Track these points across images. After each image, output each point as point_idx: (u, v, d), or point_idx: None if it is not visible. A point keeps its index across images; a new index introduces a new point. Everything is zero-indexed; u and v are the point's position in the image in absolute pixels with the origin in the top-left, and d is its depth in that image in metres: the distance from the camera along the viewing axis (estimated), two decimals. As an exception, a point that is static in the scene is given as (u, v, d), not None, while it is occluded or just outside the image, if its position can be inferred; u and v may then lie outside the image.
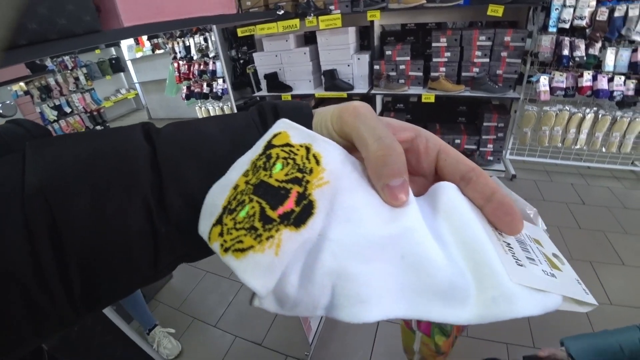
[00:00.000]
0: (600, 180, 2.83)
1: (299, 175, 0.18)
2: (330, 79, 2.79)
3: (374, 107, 3.01)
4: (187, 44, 3.85)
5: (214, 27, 2.70)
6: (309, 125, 0.22)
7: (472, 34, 2.48)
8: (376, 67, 2.73)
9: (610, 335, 0.98)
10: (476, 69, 2.59)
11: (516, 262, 0.20)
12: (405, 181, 0.19)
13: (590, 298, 0.20)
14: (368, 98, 2.92)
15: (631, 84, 2.42)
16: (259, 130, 0.23)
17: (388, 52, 2.67)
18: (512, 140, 2.88)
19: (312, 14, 2.59)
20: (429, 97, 2.61)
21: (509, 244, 0.21)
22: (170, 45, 4.00)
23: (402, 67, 2.69)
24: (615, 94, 2.43)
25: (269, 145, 0.20)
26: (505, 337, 1.72)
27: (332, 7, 2.65)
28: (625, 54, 2.37)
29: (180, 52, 3.92)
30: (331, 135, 0.22)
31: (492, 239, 0.20)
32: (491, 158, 2.81)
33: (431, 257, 0.19)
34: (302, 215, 0.18)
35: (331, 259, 0.18)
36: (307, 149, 0.19)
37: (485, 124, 2.69)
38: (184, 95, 4.00)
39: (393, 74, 2.72)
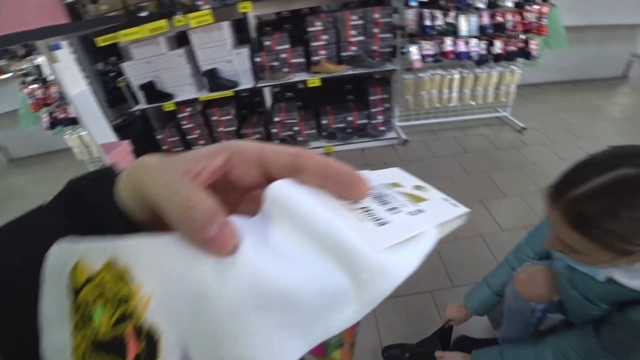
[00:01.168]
0: (475, 130, 3.25)
1: (123, 309, 0.15)
2: (213, 79, 2.65)
3: (263, 101, 2.96)
4: (37, 63, 3.28)
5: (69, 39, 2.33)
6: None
7: (344, 15, 2.57)
8: (257, 59, 2.67)
9: (486, 282, 1.16)
10: (354, 48, 2.71)
11: (378, 223, 0.18)
12: (226, 224, 0.16)
13: (461, 209, 0.21)
14: (255, 92, 2.86)
15: (483, 44, 2.79)
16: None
17: (267, 43, 2.63)
18: (398, 108, 3.10)
19: (179, 12, 2.40)
20: (314, 81, 2.65)
21: (365, 207, 0.19)
22: (15, 67, 3.36)
23: (283, 55, 2.68)
24: (472, 54, 2.78)
25: (74, 292, 0.15)
26: (427, 286, 1.87)
27: (200, 3, 2.48)
28: (474, 20, 2.71)
29: (31, 74, 3.33)
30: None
31: (344, 217, 0.18)
32: (383, 128, 3.00)
33: (286, 289, 0.16)
34: (148, 353, 0.15)
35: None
36: (112, 269, 0.15)
37: (371, 97, 2.85)
38: (46, 125, 3.42)
39: (276, 64, 2.70)
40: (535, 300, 0.98)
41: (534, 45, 2.85)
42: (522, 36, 2.85)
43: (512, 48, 2.84)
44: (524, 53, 2.89)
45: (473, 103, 3.08)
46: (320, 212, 0.18)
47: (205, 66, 2.68)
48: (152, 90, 2.72)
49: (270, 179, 0.20)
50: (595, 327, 0.79)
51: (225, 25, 2.59)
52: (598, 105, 3.75)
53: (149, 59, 2.64)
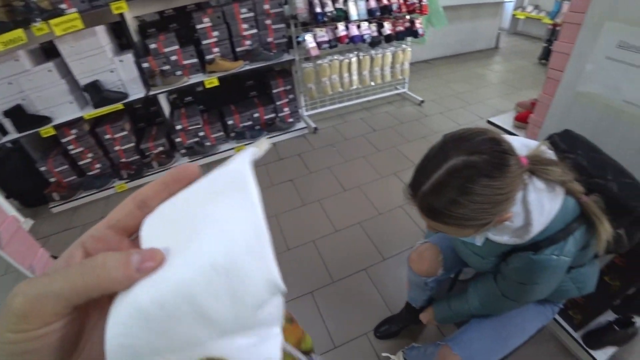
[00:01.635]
0: (379, 108, 3.41)
1: None
2: (96, 92, 2.36)
3: (160, 110, 2.71)
4: None
5: None
6: None
7: (233, 8, 2.46)
8: (145, 65, 2.44)
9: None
10: (248, 42, 2.63)
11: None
12: (139, 251, 0.20)
13: (258, 145, 0.24)
14: (150, 101, 2.62)
15: (373, 27, 2.91)
16: None
17: (153, 46, 2.42)
18: (303, 98, 3.11)
19: (38, 19, 2.07)
20: (212, 81, 2.52)
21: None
22: None
23: (173, 58, 2.49)
24: (365, 37, 2.87)
25: None
26: (360, 265, 1.90)
27: (63, 6, 2.13)
28: (361, 4, 2.80)
29: None
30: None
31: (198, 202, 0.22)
32: (292, 120, 2.98)
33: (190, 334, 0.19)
34: None
35: None
36: None
37: (274, 91, 2.81)
38: None
39: (167, 67, 2.50)
40: (425, 275, 1.18)
41: (418, 24, 3.06)
42: (408, 17, 3.04)
43: (400, 28, 3.01)
44: (412, 32, 3.08)
45: (373, 83, 3.20)
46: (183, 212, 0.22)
47: (84, 79, 2.37)
48: (21, 116, 2.33)
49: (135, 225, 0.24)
50: (494, 276, 0.94)
51: (100, 30, 2.31)
52: (479, 74, 4.20)
53: (10, 79, 2.24)
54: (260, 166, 2.64)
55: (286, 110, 2.94)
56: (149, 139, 2.74)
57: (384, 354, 1.49)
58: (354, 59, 2.98)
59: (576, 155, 0.89)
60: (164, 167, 2.71)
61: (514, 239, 0.77)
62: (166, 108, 2.76)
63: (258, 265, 0.19)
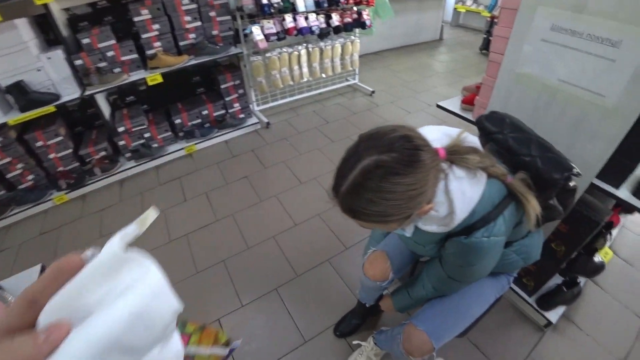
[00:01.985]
0: (331, 100, 3.42)
1: None
2: (22, 94, 2.14)
3: (99, 112, 2.48)
4: None
5: None
6: None
7: (173, -1, 2.33)
8: (78, 62, 2.25)
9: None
10: (192, 35, 2.51)
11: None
12: (47, 327, 0.22)
13: (141, 220, 0.29)
14: (86, 102, 2.43)
15: (321, 18, 2.88)
16: None
17: (86, 41, 2.23)
18: (253, 93, 3.03)
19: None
20: (155, 78, 2.38)
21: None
22: None
23: (110, 53, 2.32)
24: (313, 29, 2.85)
25: None
26: (323, 256, 1.89)
27: None
28: (308, -5, 2.76)
29: None
30: None
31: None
32: (243, 115, 2.90)
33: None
34: None
35: None
36: None
37: (222, 86, 2.71)
38: None
39: (103, 64, 2.32)
40: (379, 279, 1.22)
41: (366, 15, 3.09)
42: (355, 8, 3.05)
43: (348, 19, 3.02)
44: (360, 23, 3.10)
45: (324, 75, 3.20)
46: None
47: (5, 80, 2.13)
48: None
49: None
50: (439, 260, 0.98)
51: (22, 24, 2.09)
52: (426, 64, 4.34)
53: None
54: (212, 165, 2.54)
55: (236, 105, 2.85)
56: (89, 144, 2.54)
57: (354, 342, 1.49)
58: (303, 51, 2.95)
59: (503, 135, 0.94)
60: (108, 174, 2.52)
61: (442, 227, 0.80)
62: (106, 109, 2.57)
63: (164, 303, 0.26)
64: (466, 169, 0.77)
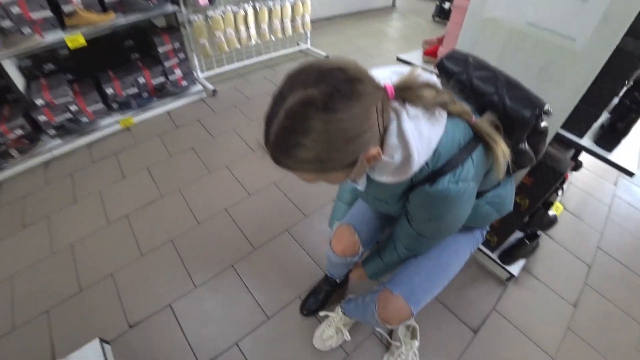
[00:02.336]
0: (282, 66, 3.21)
1: None
2: None
3: (10, 83, 2.08)
4: None
5: None
6: None
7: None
8: (-27, 20, 1.87)
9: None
10: (118, -10, 2.18)
11: None
12: None
13: None
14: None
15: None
16: None
17: (-21, -5, 1.85)
18: (196, 58, 2.75)
19: None
20: (76, 39, 2.03)
21: None
22: None
23: (15, 10, 1.95)
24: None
25: None
26: (282, 226, 1.77)
27: None
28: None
29: None
30: None
31: None
32: (185, 83, 2.62)
33: None
34: None
35: None
36: None
37: (160, 49, 2.41)
38: None
39: (7, 24, 1.95)
40: (348, 255, 1.11)
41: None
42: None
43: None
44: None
45: (273, 38, 2.97)
46: None
47: None
48: None
49: None
50: (407, 218, 0.87)
51: None
52: (380, 30, 4.24)
53: None
54: (153, 138, 2.28)
55: (177, 72, 2.56)
56: (1, 121, 2.17)
57: (321, 313, 1.38)
58: (250, 11, 2.70)
59: (467, 74, 0.83)
60: (27, 155, 2.18)
61: (399, 176, 0.68)
62: (19, 80, 2.20)
63: None
64: (422, 107, 0.65)
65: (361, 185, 0.78)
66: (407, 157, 0.64)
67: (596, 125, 1.27)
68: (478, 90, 0.80)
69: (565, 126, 1.22)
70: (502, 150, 0.68)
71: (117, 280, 1.54)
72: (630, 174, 1.20)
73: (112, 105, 2.42)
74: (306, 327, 1.43)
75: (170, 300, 1.48)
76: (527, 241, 1.56)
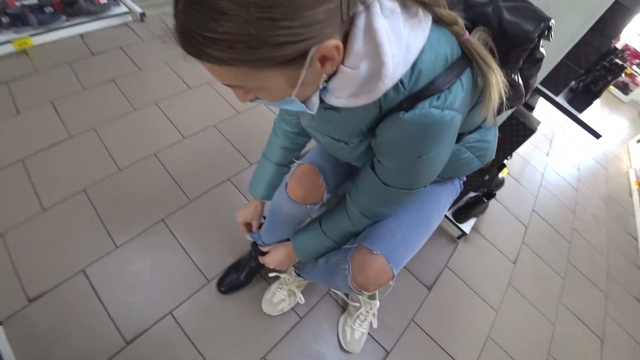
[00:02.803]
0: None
1: None
2: None
3: None
4: None
5: None
6: None
7: None
8: None
9: (265, 158, 1.04)
10: None
11: None
12: None
13: None
14: None
15: None
16: None
17: None
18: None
19: None
20: None
21: None
22: None
23: None
24: None
25: None
26: (224, 174, 1.57)
27: None
28: None
29: None
30: None
31: None
32: (105, 1, 2.11)
33: None
34: None
35: None
36: None
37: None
38: None
39: None
40: (309, 201, 0.91)
41: None
42: None
43: None
44: None
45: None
46: None
47: None
48: None
49: None
50: (371, 165, 0.70)
51: None
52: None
53: None
54: (61, 65, 1.82)
55: (92, -15, 2.05)
56: None
57: (271, 274, 1.21)
58: None
59: None
60: None
61: (365, 96, 0.50)
62: None
63: None
64: (401, 3, 0.47)
65: (313, 107, 0.56)
66: (378, 66, 0.46)
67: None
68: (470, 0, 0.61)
69: (543, 83, 1.20)
70: (498, 80, 0.52)
71: (9, 243, 1.18)
72: (597, 135, 1.19)
73: (3, 21, 1.86)
74: (253, 290, 1.27)
75: (84, 264, 1.19)
76: (484, 199, 1.54)
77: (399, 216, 0.82)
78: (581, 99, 1.18)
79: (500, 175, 1.76)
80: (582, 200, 2.38)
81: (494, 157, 0.88)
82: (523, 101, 0.75)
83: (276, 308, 1.21)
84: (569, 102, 1.20)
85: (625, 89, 4.18)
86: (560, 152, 2.73)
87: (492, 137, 0.83)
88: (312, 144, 1.00)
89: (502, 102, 0.55)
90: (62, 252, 1.21)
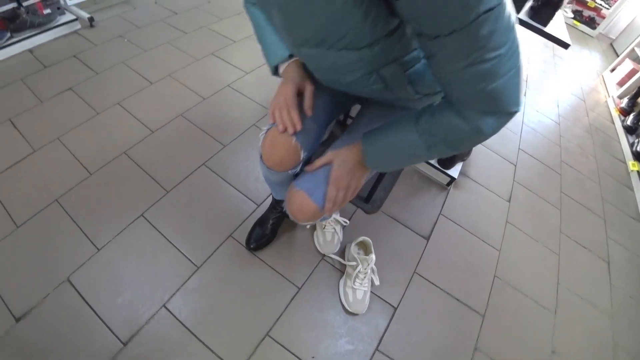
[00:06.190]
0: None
1: None
2: None
3: None
4: None
5: None
6: None
7: None
8: None
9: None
10: None
11: None
12: None
13: None
14: None
15: None
16: None
17: None
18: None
19: None
20: None
21: None
22: None
23: None
24: None
25: None
26: (198, 160, 1.53)
27: None
28: None
29: None
30: None
31: None
32: (49, 10, 2.00)
33: None
34: None
35: None
36: None
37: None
38: None
39: None
40: (289, 166, 0.85)
41: None
42: None
43: None
44: None
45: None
46: None
47: None
48: None
49: None
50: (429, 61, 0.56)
51: None
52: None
53: None
54: (14, 83, 1.74)
55: (32, -5, 1.96)
56: None
57: (307, 225, 1.31)
58: None
59: None
60: None
61: None
62: None
63: None
64: None
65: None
66: None
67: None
68: None
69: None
70: None
71: None
72: (565, 45, 1.16)
73: (-61, 44, 1.78)
74: (246, 265, 1.23)
75: (67, 273, 1.14)
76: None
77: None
78: (543, 12, 1.15)
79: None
80: (566, 133, 2.37)
81: None
82: None
83: (334, 243, 1.29)
84: (532, 18, 1.17)
85: (591, 23, 4.19)
86: (537, 90, 2.73)
87: None
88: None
89: None
90: (43, 265, 1.15)
